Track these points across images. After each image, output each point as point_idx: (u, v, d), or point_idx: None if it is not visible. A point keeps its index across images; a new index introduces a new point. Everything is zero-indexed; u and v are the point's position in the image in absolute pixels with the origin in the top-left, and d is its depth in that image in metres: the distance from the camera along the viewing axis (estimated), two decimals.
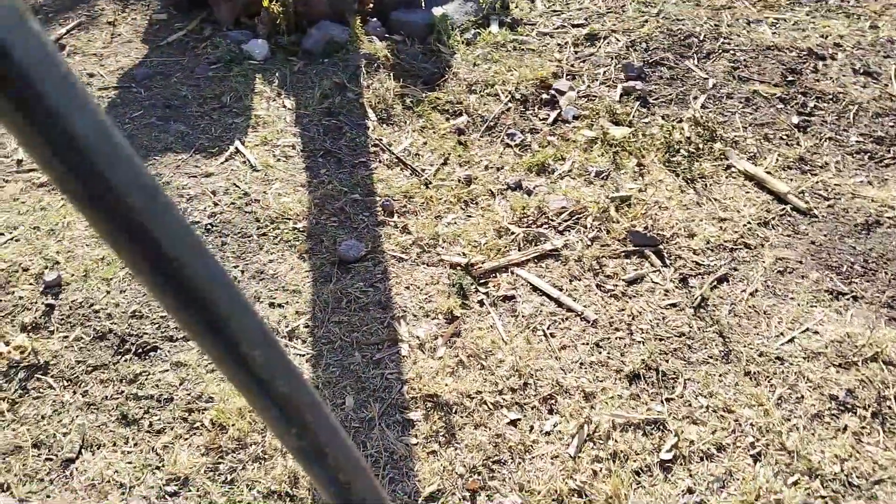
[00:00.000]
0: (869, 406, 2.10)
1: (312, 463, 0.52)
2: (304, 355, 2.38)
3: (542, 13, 4.17)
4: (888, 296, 2.41)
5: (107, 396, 2.22)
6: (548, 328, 2.44)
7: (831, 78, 3.42)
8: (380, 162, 3.20)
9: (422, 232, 2.82)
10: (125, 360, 2.33)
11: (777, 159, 3.01)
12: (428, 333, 2.43)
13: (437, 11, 4.11)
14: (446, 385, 2.24)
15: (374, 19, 4.15)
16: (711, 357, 2.29)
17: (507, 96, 3.53)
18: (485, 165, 3.17)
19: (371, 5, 4.39)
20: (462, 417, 2.16)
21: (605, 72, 3.63)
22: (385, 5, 4.22)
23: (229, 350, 0.43)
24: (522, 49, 3.86)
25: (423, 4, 4.28)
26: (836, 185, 2.86)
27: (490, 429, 2.13)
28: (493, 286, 2.61)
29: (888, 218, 2.69)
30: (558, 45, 3.87)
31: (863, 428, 2.06)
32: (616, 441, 2.07)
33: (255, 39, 4.01)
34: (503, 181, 3.07)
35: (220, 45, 3.97)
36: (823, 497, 1.91)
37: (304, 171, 3.15)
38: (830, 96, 3.31)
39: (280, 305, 2.54)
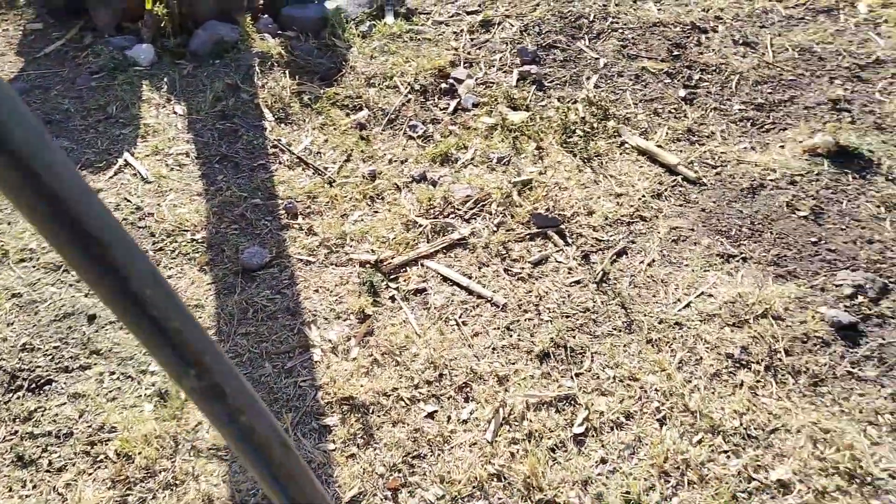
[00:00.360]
0: (762, 360, 2.23)
1: (214, 403, 0.52)
2: None
3: (436, 2, 4.17)
4: (773, 254, 2.56)
5: None
6: (460, 317, 2.46)
7: (714, 50, 3.58)
8: (280, 163, 3.13)
9: (328, 232, 2.78)
10: (17, 398, 2.19)
11: (667, 132, 3.13)
12: (340, 335, 2.41)
13: (330, 5, 4.04)
14: (361, 386, 2.23)
15: (265, 16, 4.03)
16: (615, 329, 2.37)
17: (406, 88, 3.51)
18: (388, 159, 3.16)
19: (261, 2, 4.26)
20: (379, 417, 2.15)
21: (501, 57, 3.67)
22: (276, 1, 4.11)
23: (121, 288, 0.44)
24: (419, 39, 3.85)
25: None
26: (722, 153, 3.00)
27: (408, 424, 2.13)
28: (404, 280, 2.61)
29: (771, 181, 2.85)
30: (454, 33, 3.88)
31: (757, 382, 2.18)
32: (531, 421, 2.12)
33: (140, 44, 3.83)
34: (408, 174, 3.06)
35: (102, 53, 3.77)
36: (726, 451, 2.02)
37: (200, 178, 3.04)
38: (713, 68, 3.46)
39: None
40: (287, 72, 3.61)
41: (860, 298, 2.38)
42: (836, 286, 2.43)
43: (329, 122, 3.33)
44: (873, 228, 2.63)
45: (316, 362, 2.31)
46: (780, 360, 2.23)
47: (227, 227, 2.79)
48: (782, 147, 3.00)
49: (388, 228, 2.79)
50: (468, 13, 4.00)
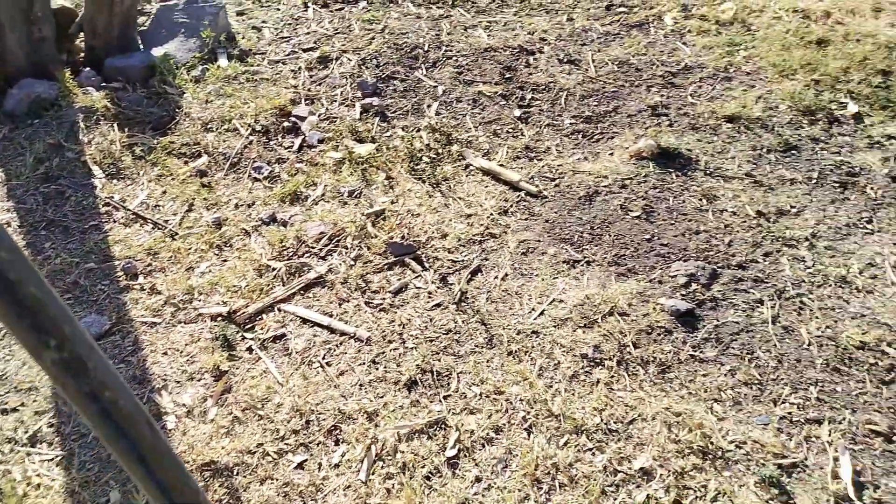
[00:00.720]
0: (614, 356, 2.35)
1: (76, 377, 0.49)
2: (52, 459, 2.09)
3: (270, 41, 4.12)
4: (613, 255, 2.72)
5: None
6: (323, 358, 2.40)
7: (542, 70, 3.79)
8: (115, 221, 2.93)
9: (173, 288, 2.63)
10: None
11: (507, 151, 3.26)
12: (195, 397, 2.27)
13: (158, 52, 3.87)
14: (223, 448, 2.10)
15: (87, 69, 3.80)
16: (477, 346, 2.41)
17: (247, 129, 3.42)
18: (234, 204, 3.05)
19: (82, 54, 4.02)
20: (245, 477, 2.04)
21: (342, 92, 3.68)
22: (97, 52, 3.88)
23: None
24: (256, 79, 3.77)
25: (140, 46, 4.01)
26: (558, 165, 3.17)
27: (277, 479, 2.04)
28: (261, 329, 2.51)
29: (604, 187, 3.04)
30: (292, 71, 3.85)
31: (612, 377, 2.29)
32: (403, 452, 2.09)
33: None
34: (256, 217, 2.97)
35: None
36: (590, 449, 2.10)
37: (25, 248, 2.78)
38: (543, 87, 3.66)
39: (14, 409, 2.21)
40: (116, 125, 3.41)
41: (694, 286, 2.57)
42: (672, 277, 2.61)
43: (166, 172, 3.17)
44: (698, 220, 2.87)
45: (170, 430, 2.16)
46: (630, 353, 2.35)
47: (60, 297, 2.56)
48: (611, 154, 3.21)
49: (239, 276, 2.68)
50: (304, 50, 3.98)
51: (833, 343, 2.38)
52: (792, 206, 2.89)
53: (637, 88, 3.63)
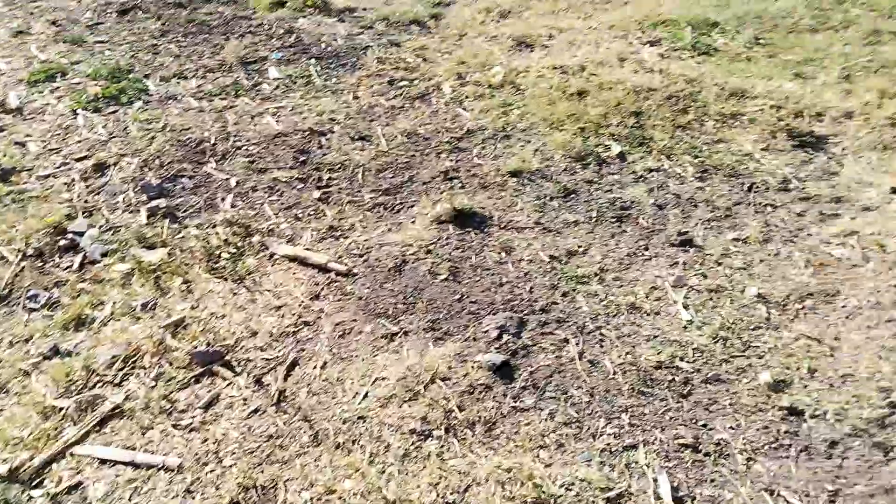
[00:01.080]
0: (441, 424, 2.34)
1: None
2: None
3: (37, 155, 3.78)
4: (428, 320, 2.75)
5: None
6: (129, 500, 2.14)
7: (335, 149, 3.83)
8: None
9: None
10: None
11: (311, 234, 3.22)
12: None
13: None
14: None
15: None
16: (303, 446, 2.29)
17: (16, 255, 3.07)
18: (8, 342, 2.69)
19: None
20: None
21: (124, 198, 3.44)
22: None
23: None
24: (23, 199, 3.42)
25: None
26: (364, 241, 3.18)
27: None
28: (52, 481, 2.20)
29: (411, 255, 3.10)
30: (65, 183, 3.54)
31: (442, 447, 2.28)
32: None
33: None
34: (36, 352, 2.64)
35: None
36: None
37: None
38: (339, 165, 3.70)
39: None
40: None
41: (505, 337, 2.67)
42: (484, 332, 2.69)
43: None
44: (500, 272, 3.01)
45: None
46: (456, 417, 2.37)
47: None
48: (413, 222, 3.29)
49: (19, 425, 2.35)
50: (77, 160, 3.70)
51: (634, 367, 2.57)
52: (579, 246, 3.13)
53: (427, 157, 3.79)
